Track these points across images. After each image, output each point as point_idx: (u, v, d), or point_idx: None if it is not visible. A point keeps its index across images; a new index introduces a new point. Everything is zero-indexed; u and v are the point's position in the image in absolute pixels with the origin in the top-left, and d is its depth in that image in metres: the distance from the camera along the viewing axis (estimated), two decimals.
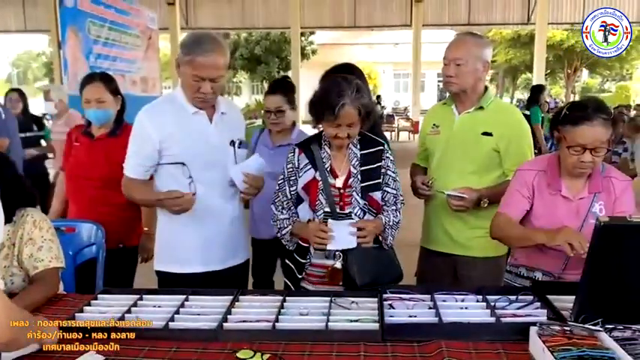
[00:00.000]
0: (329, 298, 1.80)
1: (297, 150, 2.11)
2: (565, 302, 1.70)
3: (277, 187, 2.14)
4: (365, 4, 17.52)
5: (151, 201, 2.25)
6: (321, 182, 2.04)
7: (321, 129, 2.08)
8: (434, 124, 2.50)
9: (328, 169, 2.06)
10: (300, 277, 2.10)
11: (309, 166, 2.07)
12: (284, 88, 2.91)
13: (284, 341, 1.55)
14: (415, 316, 1.66)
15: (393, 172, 2.11)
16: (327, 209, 2.03)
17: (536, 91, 8.06)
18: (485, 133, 2.33)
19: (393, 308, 1.73)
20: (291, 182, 2.10)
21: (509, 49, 26.86)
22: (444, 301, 1.76)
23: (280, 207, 2.14)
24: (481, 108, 2.37)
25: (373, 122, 2.10)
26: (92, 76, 2.81)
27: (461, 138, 2.37)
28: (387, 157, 2.10)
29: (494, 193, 2.27)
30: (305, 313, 1.72)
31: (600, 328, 1.40)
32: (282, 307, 1.76)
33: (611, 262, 1.39)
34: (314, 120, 2.04)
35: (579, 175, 1.94)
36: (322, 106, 1.95)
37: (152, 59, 9.99)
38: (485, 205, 2.27)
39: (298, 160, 2.09)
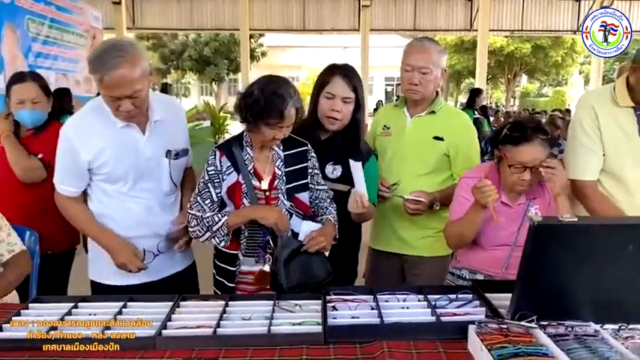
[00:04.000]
0: (272, 302, 1.78)
1: (217, 152, 2.00)
2: (503, 300, 1.74)
3: (197, 192, 1.99)
4: (314, 8, 17.60)
5: (92, 236, 2.14)
6: (244, 185, 1.97)
7: (242, 130, 2.03)
8: (385, 126, 2.52)
9: (252, 172, 2.00)
10: (231, 285, 2.01)
11: (232, 169, 1.98)
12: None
13: (224, 347, 1.51)
14: (358, 317, 1.66)
15: (318, 171, 2.11)
16: None
17: (474, 94, 8.41)
18: (437, 138, 2.37)
19: (336, 310, 1.72)
20: (215, 184, 1.98)
21: (453, 55, 27.58)
22: (386, 301, 1.77)
23: (199, 209, 1.97)
24: (432, 112, 2.41)
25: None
26: (22, 74, 2.58)
27: (413, 141, 2.40)
28: (313, 157, 2.09)
29: (446, 196, 2.30)
30: (247, 317, 1.69)
31: (535, 325, 1.44)
32: (224, 311, 1.72)
33: (544, 261, 1.43)
34: (251, 121, 1.91)
35: (519, 192, 2.00)
36: (268, 108, 1.86)
37: None
38: (438, 207, 2.32)
39: (220, 163, 1.98)
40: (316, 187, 2.10)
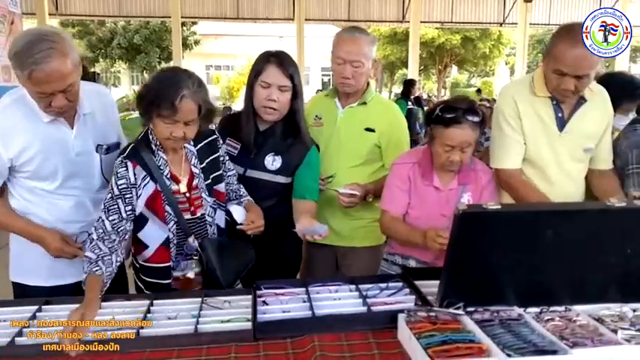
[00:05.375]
0: (200, 299, 1.71)
1: (129, 164, 1.78)
2: (432, 287, 1.76)
3: (102, 206, 1.78)
4: None
5: (15, 229, 1.96)
6: (163, 193, 1.82)
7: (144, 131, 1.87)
8: (316, 116, 2.48)
9: (168, 176, 1.84)
10: None
11: (148, 177, 1.80)
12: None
13: (149, 348, 1.45)
14: (289, 312, 1.63)
15: (227, 157, 2.05)
16: (177, 219, 1.85)
17: (407, 84, 8.66)
18: (368, 129, 2.36)
19: (267, 305, 1.68)
20: (127, 200, 1.77)
21: (387, 46, 27.99)
22: (318, 293, 1.75)
23: (101, 226, 1.75)
24: (364, 103, 2.40)
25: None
26: None
27: (345, 132, 2.39)
28: (222, 145, 2.03)
29: (379, 188, 2.29)
30: (173, 316, 1.62)
31: (462, 312, 1.47)
32: (148, 311, 1.64)
33: (470, 248, 1.45)
34: (145, 118, 1.79)
35: (449, 171, 2.04)
36: (158, 99, 1.68)
37: None
38: (371, 199, 2.31)
39: (135, 175, 1.79)
40: (228, 173, 2.04)
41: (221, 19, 18.49)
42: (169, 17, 16.84)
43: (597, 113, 2.14)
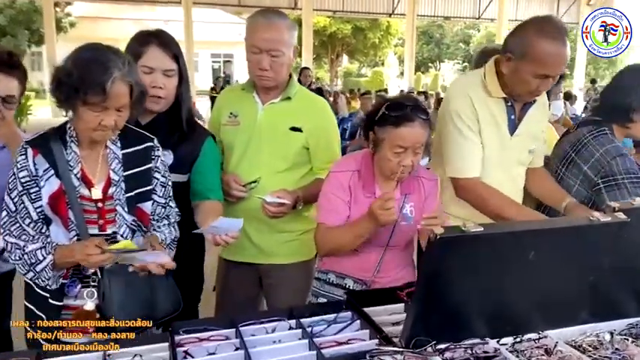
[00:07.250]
0: (102, 353, 1.33)
1: (29, 150, 1.52)
2: (382, 315, 1.54)
3: (11, 208, 1.53)
4: None
5: None
6: (67, 195, 1.52)
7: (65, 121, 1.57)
8: (231, 113, 2.11)
9: (79, 176, 1.54)
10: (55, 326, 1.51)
11: (51, 172, 1.52)
12: None
13: None
14: None
15: (164, 177, 1.68)
16: (78, 231, 1.53)
17: (300, 73, 8.80)
18: (294, 129, 2.04)
19: (191, 356, 1.34)
20: (33, 196, 1.52)
21: None
22: (252, 335, 1.43)
23: (21, 233, 1.53)
24: (288, 98, 2.07)
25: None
26: None
27: (267, 133, 2.05)
28: (158, 157, 1.67)
29: (309, 194, 2.00)
30: None
31: (434, 352, 1.24)
32: None
33: (443, 276, 1.22)
34: (64, 106, 1.50)
35: (398, 179, 1.77)
36: (85, 84, 1.41)
37: None
38: (301, 207, 2.01)
39: (35, 165, 1.52)
40: (152, 196, 1.66)
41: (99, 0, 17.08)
42: None
43: (540, 112, 2.05)
